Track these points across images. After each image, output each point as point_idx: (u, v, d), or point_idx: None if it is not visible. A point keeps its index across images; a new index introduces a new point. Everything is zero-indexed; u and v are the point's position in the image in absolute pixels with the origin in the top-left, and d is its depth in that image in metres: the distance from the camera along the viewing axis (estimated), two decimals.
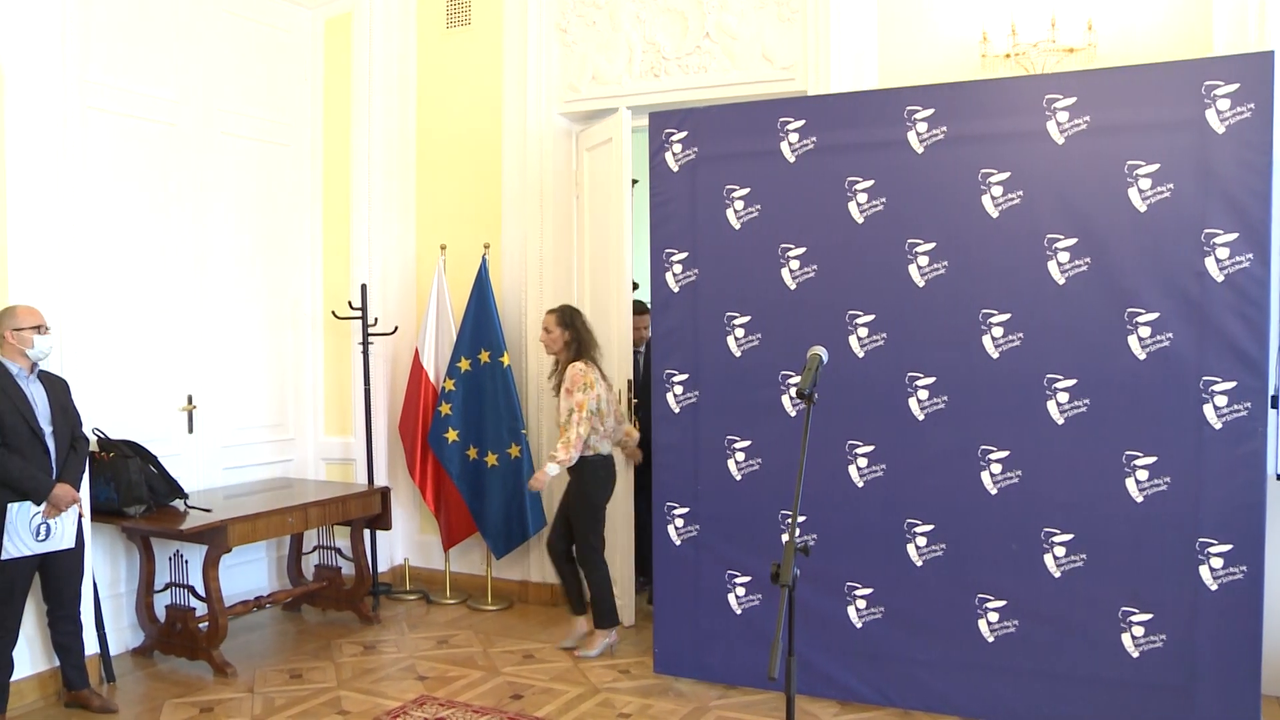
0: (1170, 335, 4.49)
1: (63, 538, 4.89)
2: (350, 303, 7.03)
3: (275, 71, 7.05)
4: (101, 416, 5.68)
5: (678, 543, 5.39)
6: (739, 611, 5.28)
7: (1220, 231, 4.40)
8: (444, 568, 7.16)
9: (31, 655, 5.16)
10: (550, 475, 5.64)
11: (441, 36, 7.33)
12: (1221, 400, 4.44)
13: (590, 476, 5.78)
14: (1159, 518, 4.52)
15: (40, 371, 4.93)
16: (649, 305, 5.75)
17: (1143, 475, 4.53)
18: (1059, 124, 4.63)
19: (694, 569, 5.36)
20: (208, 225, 6.54)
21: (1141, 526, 4.54)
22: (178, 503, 5.82)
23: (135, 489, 5.59)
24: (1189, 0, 5.26)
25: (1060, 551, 4.68)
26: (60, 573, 4.99)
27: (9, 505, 4.70)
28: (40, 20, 5.23)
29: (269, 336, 7.04)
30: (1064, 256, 4.64)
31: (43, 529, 4.81)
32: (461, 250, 7.10)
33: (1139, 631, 4.56)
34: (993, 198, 4.76)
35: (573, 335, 5.79)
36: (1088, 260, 4.60)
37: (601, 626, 5.89)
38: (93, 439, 5.45)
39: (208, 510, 5.72)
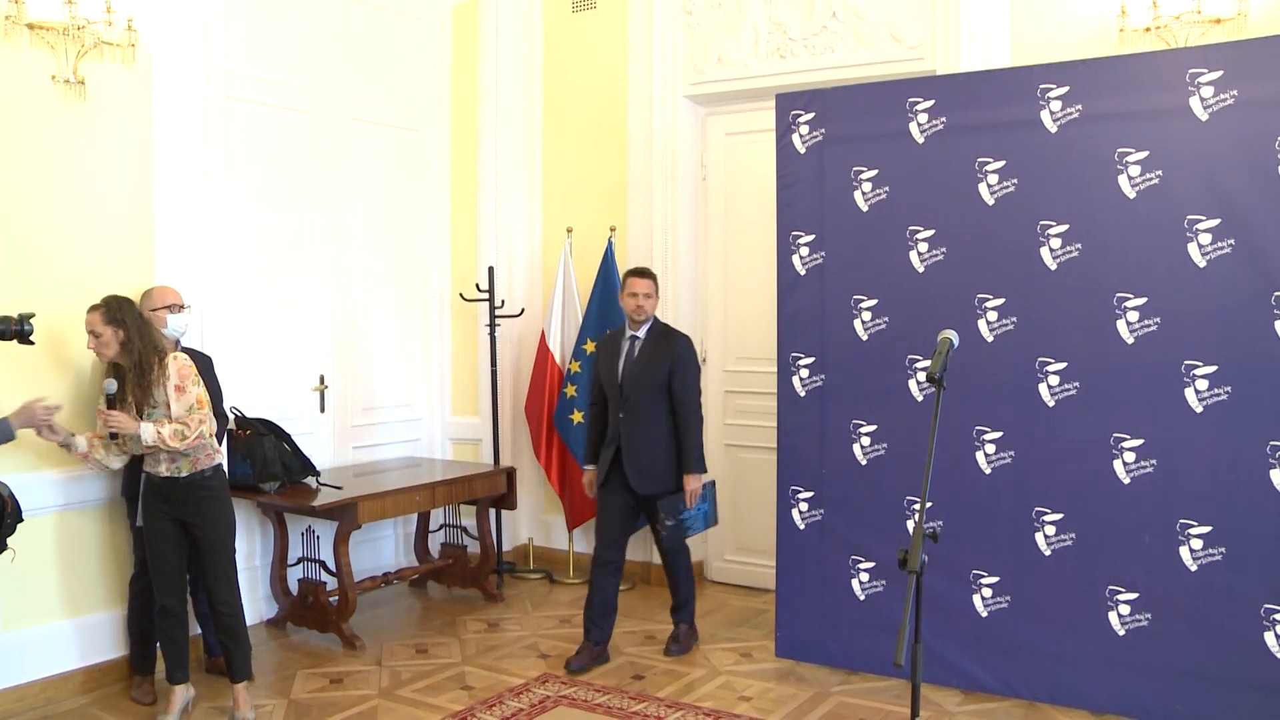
0: None
1: None
2: (477, 285, 7.12)
3: (405, 59, 7.17)
4: (238, 395, 5.85)
5: (801, 527, 5.35)
6: (862, 597, 5.22)
7: None
8: (567, 548, 7.22)
9: None
10: (145, 438, 4.42)
11: (567, 20, 7.37)
12: None
13: (227, 495, 4.82)
14: None
15: (183, 348, 5.09)
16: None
17: None
18: (1203, 99, 4.44)
19: (817, 553, 5.32)
20: (340, 210, 6.70)
21: None
22: (310, 480, 5.98)
23: (270, 465, 5.77)
24: None
25: (1197, 544, 4.51)
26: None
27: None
28: (185, 15, 5.45)
29: (398, 318, 7.19)
30: (1205, 238, 4.46)
31: None
32: (587, 233, 7.13)
33: None
34: (1129, 178, 4.59)
35: (128, 333, 4.50)
36: (1231, 242, 4.41)
37: (248, 678, 4.87)
38: (230, 417, 5.63)
39: (338, 488, 5.88)
